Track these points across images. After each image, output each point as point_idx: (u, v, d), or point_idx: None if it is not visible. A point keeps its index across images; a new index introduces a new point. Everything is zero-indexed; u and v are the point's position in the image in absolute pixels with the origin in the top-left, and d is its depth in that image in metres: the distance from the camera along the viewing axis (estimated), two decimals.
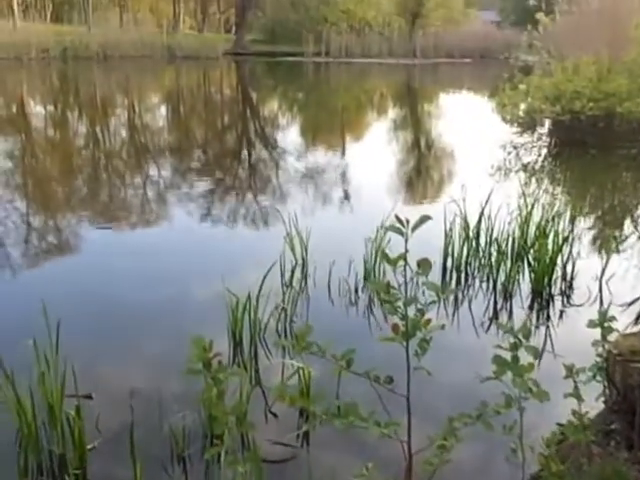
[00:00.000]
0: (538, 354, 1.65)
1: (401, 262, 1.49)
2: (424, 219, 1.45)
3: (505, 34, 41.02)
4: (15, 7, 37.40)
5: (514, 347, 1.67)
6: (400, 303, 1.49)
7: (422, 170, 9.80)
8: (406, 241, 1.47)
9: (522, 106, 11.49)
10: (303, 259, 4.73)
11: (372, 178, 8.58)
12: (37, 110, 17.33)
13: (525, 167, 9.28)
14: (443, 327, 1.60)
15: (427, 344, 1.54)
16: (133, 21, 41.62)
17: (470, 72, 35.48)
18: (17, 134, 12.67)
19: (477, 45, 41.55)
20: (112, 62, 32.80)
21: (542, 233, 4.71)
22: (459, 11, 52.79)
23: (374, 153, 10.98)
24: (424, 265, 1.49)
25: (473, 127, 13.66)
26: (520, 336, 1.66)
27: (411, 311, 1.58)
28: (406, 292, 1.53)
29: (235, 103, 20.70)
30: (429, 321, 1.54)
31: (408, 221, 1.46)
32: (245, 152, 11.33)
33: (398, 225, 1.45)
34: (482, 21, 52.10)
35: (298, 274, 4.60)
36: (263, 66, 36.77)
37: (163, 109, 18.69)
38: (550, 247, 4.54)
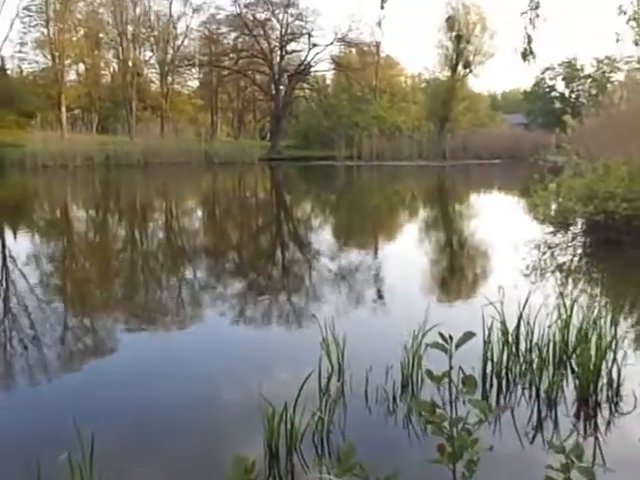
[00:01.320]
0: (593, 476, 1.57)
1: (445, 379, 1.47)
2: (468, 336, 1.44)
3: (533, 136, 42.02)
4: (64, 120, 39.99)
5: (566, 468, 1.59)
6: (446, 424, 1.45)
7: (456, 270, 9.76)
8: (450, 358, 1.45)
9: (554, 206, 11.54)
10: (339, 364, 4.67)
11: (406, 279, 8.56)
12: (79, 214, 18.02)
13: (561, 267, 9.18)
14: (491, 449, 1.54)
15: (475, 465, 1.48)
16: (174, 131, 43.80)
17: (500, 172, 36.02)
18: (58, 237, 13.12)
19: (506, 146, 42.51)
20: (152, 168, 34.28)
21: (584, 337, 4.58)
22: (486, 114, 54.58)
23: (407, 253, 11.02)
24: (469, 383, 1.46)
25: (506, 227, 13.71)
26: (572, 457, 1.58)
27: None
28: (451, 411, 1.49)
29: (269, 206, 21.23)
30: (476, 441, 1.48)
31: (452, 337, 1.44)
32: (279, 254, 11.49)
33: (442, 342, 1.43)
34: (509, 124, 53.58)
35: (334, 380, 4.51)
36: (297, 170, 37.96)
37: (199, 212, 19.26)
38: (593, 352, 4.40)
